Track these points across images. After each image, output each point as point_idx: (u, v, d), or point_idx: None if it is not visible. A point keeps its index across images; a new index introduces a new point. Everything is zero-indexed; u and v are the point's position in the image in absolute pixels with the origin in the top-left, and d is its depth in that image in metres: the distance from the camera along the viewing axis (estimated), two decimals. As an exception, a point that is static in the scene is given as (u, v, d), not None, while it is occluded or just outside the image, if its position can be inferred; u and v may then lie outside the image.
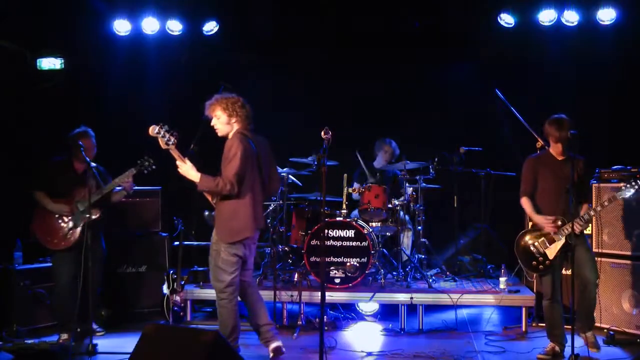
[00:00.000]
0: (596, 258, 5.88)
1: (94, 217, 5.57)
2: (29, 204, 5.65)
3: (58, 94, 7.20)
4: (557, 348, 5.14)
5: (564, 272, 5.48)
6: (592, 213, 5.10)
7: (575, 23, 7.08)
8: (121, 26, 7.35)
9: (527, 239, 5.23)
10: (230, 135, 4.91)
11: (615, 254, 5.82)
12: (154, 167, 5.70)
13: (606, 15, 6.94)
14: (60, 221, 5.59)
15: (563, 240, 5.07)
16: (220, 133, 4.98)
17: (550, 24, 7.11)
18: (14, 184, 6.44)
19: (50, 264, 5.75)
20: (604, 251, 5.89)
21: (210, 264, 5.01)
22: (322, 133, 4.78)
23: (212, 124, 4.98)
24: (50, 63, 7.23)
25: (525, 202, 5.26)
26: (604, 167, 5.89)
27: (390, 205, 6.74)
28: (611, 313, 5.78)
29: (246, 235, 4.89)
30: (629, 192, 5.02)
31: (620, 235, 5.77)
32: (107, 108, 7.29)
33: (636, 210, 5.68)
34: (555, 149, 5.23)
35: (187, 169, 4.82)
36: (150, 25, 7.36)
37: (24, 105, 6.88)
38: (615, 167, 5.84)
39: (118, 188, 5.74)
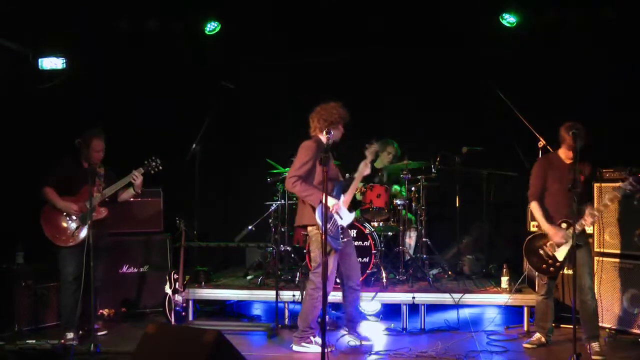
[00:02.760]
0: (598, 258, 5.90)
1: (101, 216, 5.62)
2: (34, 201, 5.65)
3: (60, 94, 7.20)
4: (543, 339, 5.43)
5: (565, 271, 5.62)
6: (596, 213, 5.10)
7: (574, 23, 7.09)
8: (122, 26, 7.38)
9: (536, 243, 5.35)
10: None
11: (617, 253, 5.82)
12: (160, 167, 5.76)
13: (605, 15, 6.96)
14: (68, 219, 5.60)
15: (570, 242, 5.12)
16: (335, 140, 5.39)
17: (550, 23, 7.13)
18: (15, 184, 6.45)
19: (55, 263, 5.72)
20: (605, 251, 5.89)
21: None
22: (324, 133, 4.80)
23: (337, 135, 5.35)
24: (52, 63, 7.23)
25: (535, 207, 5.34)
26: (604, 167, 5.89)
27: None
28: (613, 313, 5.77)
29: None
30: (627, 189, 5.04)
31: (622, 234, 5.77)
32: (108, 108, 7.29)
33: (638, 209, 5.67)
34: (565, 153, 5.31)
35: None
36: (152, 24, 7.38)
37: (25, 106, 6.88)
38: (617, 167, 5.84)
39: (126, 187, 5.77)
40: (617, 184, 5.19)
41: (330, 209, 5.19)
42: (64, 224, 5.60)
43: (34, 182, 5.80)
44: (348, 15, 7.42)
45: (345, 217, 5.39)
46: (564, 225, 5.18)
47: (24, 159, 6.61)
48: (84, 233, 5.52)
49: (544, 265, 5.29)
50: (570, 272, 5.39)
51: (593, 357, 5.07)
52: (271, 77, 7.75)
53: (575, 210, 4.91)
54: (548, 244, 5.27)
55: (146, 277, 6.63)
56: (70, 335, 5.51)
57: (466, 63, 7.47)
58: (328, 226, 5.21)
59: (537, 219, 5.35)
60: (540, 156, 5.98)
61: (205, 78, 7.48)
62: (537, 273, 5.53)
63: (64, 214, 5.60)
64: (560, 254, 5.22)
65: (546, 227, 5.25)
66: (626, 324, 5.68)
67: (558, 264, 5.24)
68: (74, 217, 5.60)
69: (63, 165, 5.72)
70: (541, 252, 5.30)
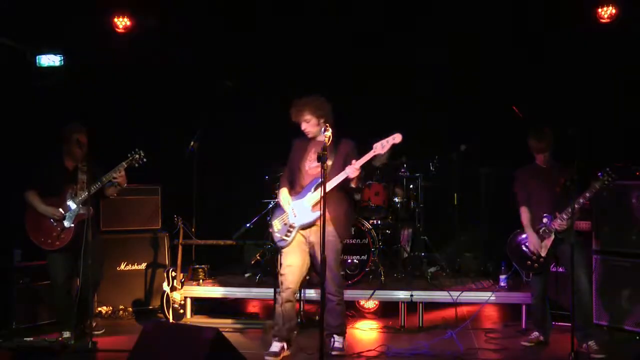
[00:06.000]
0: (596, 255, 5.90)
1: (86, 215, 5.49)
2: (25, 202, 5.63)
3: (57, 91, 7.18)
4: (541, 337, 5.46)
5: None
6: (565, 217, 5.11)
7: (577, 22, 7.10)
8: (121, 23, 7.37)
9: (519, 239, 5.43)
10: (329, 136, 4.79)
11: (614, 251, 5.82)
12: (144, 160, 5.55)
13: (607, 13, 6.97)
14: (52, 222, 5.48)
15: (553, 236, 5.23)
16: (311, 135, 5.12)
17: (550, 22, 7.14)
18: (12, 182, 6.43)
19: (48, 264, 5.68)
20: (603, 249, 5.89)
21: (332, 267, 5.00)
22: (322, 130, 4.79)
23: (302, 128, 5.09)
24: (49, 60, 7.21)
25: (523, 212, 5.42)
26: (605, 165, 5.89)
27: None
28: (610, 310, 5.78)
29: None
30: (601, 182, 5.01)
31: (620, 232, 5.77)
32: (106, 106, 7.28)
33: (636, 207, 5.68)
34: (538, 160, 5.41)
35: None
36: (151, 22, 7.38)
37: (23, 103, 6.87)
38: (617, 164, 5.83)
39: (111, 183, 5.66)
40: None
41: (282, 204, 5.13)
42: (50, 227, 5.47)
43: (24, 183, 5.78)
44: (347, 14, 7.41)
45: (300, 216, 5.06)
46: (545, 219, 5.25)
47: (21, 156, 6.59)
48: (71, 233, 5.44)
49: (528, 262, 5.36)
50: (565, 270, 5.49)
51: (593, 355, 5.05)
52: (270, 75, 7.73)
53: (572, 206, 4.92)
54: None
55: (144, 275, 6.62)
56: (67, 334, 5.49)
57: (465, 61, 7.46)
58: (274, 221, 5.15)
59: (523, 224, 5.41)
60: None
61: (204, 76, 7.46)
62: (520, 270, 5.55)
63: (46, 217, 5.48)
64: (543, 249, 5.27)
65: (529, 232, 5.34)
66: (622, 321, 5.68)
67: (542, 259, 5.29)
68: (58, 220, 5.48)
69: (44, 166, 5.63)
70: (524, 248, 5.36)
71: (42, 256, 5.99)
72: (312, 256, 5.13)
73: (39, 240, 5.48)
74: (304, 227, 5.07)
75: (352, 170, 4.84)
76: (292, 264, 5.07)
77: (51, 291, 5.72)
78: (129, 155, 5.56)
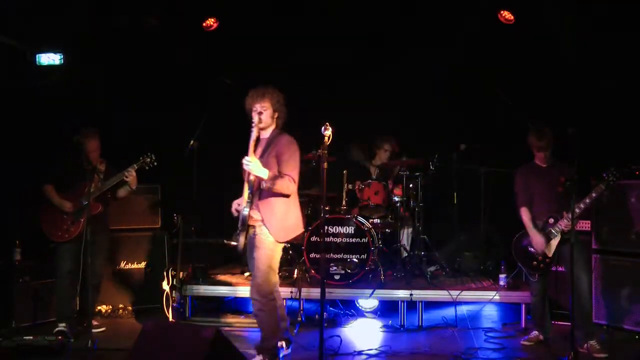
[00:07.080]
0: (595, 255, 5.90)
1: (94, 212, 5.65)
2: (31, 198, 5.74)
3: (57, 89, 7.17)
4: (541, 336, 5.48)
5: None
6: (580, 207, 5.11)
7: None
8: (121, 21, 7.36)
9: (524, 241, 5.41)
10: (276, 133, 4.82)
11: (614, 250, 5.82)
12: (155, 163, 5.78)
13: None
14: (63, 214, 5.68)
15: (559, 237, 5.23)
16: (262, 125, 4.91)
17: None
18: (12, 180, 6.43)
19: (51, 260, 5.78)
20: (603, 248, 5.89)
21: (257, 266, 4.80)
22: (322, 129, 4.78)
23: (258, 114, 4.90)
24: (49, 59, 7.20)
25: (524, 213, 5.43)
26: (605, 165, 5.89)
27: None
28: (610, 310, 5.78)
29: (297, 233, 4.96)
30: (606, 182, 5.04)
31: (619, 232, 5.77)
32: (106, 104, 7.27)
33: (635, 207, 5.68)
34: (538, 158, 5.42)
35: (256, 165, 4.70)
36: (150, 20, 7.37)
37: (23, 102, 6.86)
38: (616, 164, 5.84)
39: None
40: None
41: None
42: (61, 219, 5.67)
43: (31, 178, 5.80)
44: (346, 15, 7.40)
45: (242, 219, 4.88)
46: (551, 220, 5.25)
47: (20, 155, 6.59)
48: (79, 228, 5.60)
49: (534, 262, 5.36)
50: (564, 269, 5.50)
51: (595, 354, 5.05)
52: (270, 74, 7.72)
53: (572, 205, 4.92)
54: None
55: (144, 274, 6.62)
56: (62, 325, 5.55)
57: (465, 60, 7.46)
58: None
59: (524, 223, 5.41)
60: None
61: (203, 74, 7.45)
62: (526, 271, 5.53)
63: (59, 210, 5.67)
64: (550, 249, 5.27)
65: (532, 232, 5.34)
66: (622, 321, 5.69)
67: (548, 260, 5.30)
68: (68, 213, 5.67)
69: (63, 163, 5.81)
70: (531, 249, 5.36)
71: (43, 254, 6.04)
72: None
73: (50, 231, 5.68)
74: (244, 229, 4.88)
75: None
76: (251, 266, 4.99)
77: (53, 287, 5.80)
78: (140, 157, 5.77)
